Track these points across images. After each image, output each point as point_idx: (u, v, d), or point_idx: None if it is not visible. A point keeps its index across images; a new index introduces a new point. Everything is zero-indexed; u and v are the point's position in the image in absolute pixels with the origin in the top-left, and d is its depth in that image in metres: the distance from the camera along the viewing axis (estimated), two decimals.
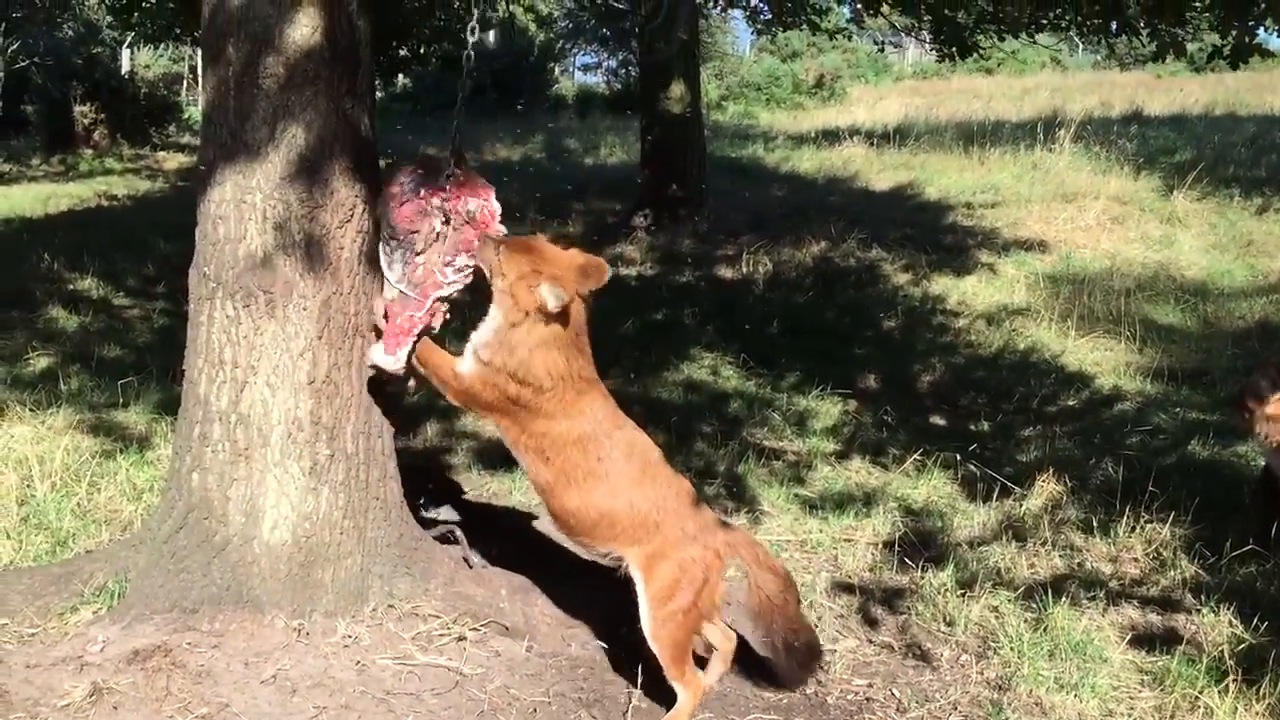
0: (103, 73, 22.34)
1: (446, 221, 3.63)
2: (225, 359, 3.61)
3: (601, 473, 3.47)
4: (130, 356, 7.37)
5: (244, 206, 3.55)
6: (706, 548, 3.46)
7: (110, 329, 8.22)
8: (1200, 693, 3.56)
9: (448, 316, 3.70)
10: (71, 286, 9.36)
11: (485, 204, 3.66)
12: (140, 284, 9.75)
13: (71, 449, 5.25)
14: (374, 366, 3.68)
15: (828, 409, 6.96)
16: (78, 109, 21.30)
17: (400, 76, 29.12)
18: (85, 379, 6.63)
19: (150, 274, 10.00)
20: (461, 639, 3.70)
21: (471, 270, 3.64)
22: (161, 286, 9.43)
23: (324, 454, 3.65)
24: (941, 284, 10.41)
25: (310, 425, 3.62)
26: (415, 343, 3.61)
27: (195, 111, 25.59)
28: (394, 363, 3.61)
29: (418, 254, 3.63)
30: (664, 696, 3.50)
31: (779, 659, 3.58)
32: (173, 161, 19.94)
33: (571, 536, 3.61)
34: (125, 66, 25.43)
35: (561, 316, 3.37)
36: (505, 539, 4.39)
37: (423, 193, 3.62)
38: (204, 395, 3.65)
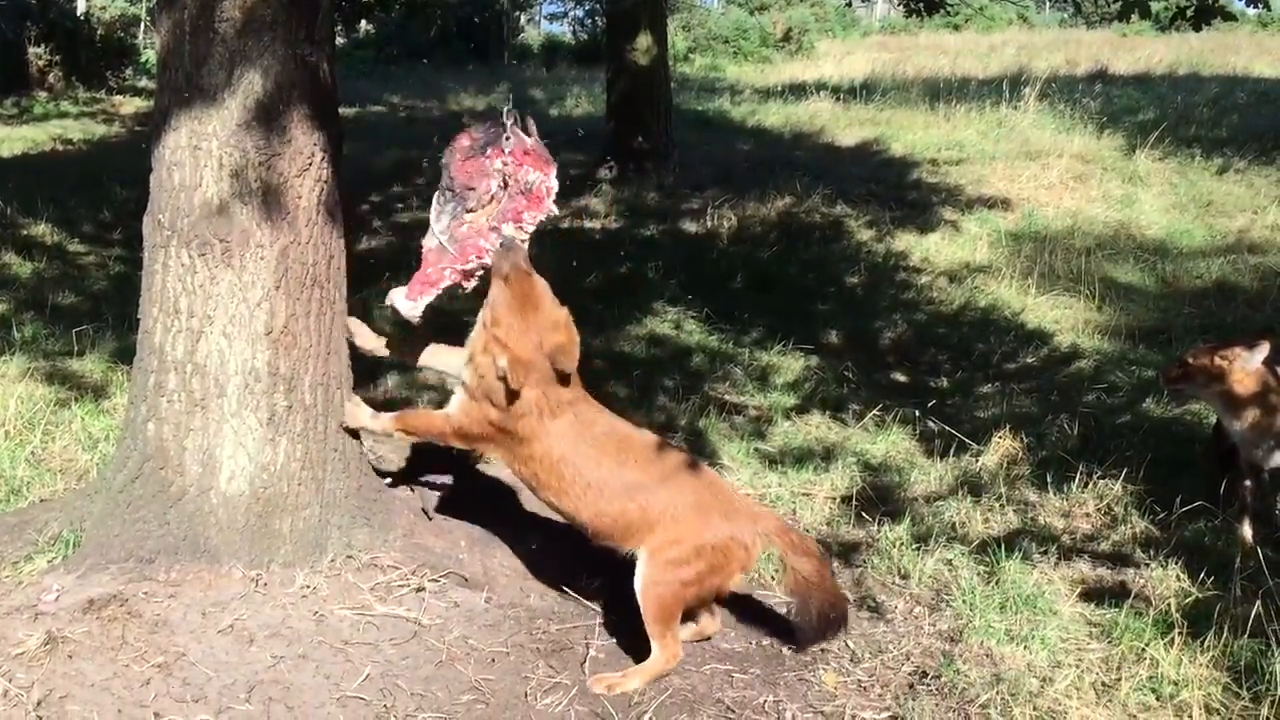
0: (58, 13, 21.75)
1: (504, 186, 3.62)
2: (181, 308, 3.57)
3: (598, 482, 3.49)
4: (85, 304, 7.27)
5: (200, 153, 3.49)
6: (734, 538, 3.49)
7: (65, 276, 8.08)
8: (1147, 645, 3.63)
9: (477, 282, 3.66)
10: (25, 232, 9.17)
11: (545, 180, 3.63)
12: (96, 230, 9.59)
13: (25, 397, 5.18)
14: (391, 307, 3.66)
15: (789, 364, 6.99)
16: (32, 50, 20.77)
17: (363, 22, 28.64)
18: (39, 326, 6.54)
19: (106, 220, 9.83)
20: (420, 590, 3.71)
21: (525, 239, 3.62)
22: (118, 233, 9.28)
23: (281, 405, 3.63)
24: (905, 241, 10.43)
25: (268, 376, 3.60)
26: (436, 295, 3.61)
27: (152, 55, 25.03)
28: (411, 309, 3.61)
29: (468, 211, 3.62)
30: (623, 648, 3.54)
31: (810, 624, 3.62)
32: (129, 106, 19.54)
33: (598, 542, 3.60)
34: (81, 7, 24.76)
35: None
36: (465, 491, 4.39)
37: (489, 151, 3.62)
38: (159, 345, 3.61)
